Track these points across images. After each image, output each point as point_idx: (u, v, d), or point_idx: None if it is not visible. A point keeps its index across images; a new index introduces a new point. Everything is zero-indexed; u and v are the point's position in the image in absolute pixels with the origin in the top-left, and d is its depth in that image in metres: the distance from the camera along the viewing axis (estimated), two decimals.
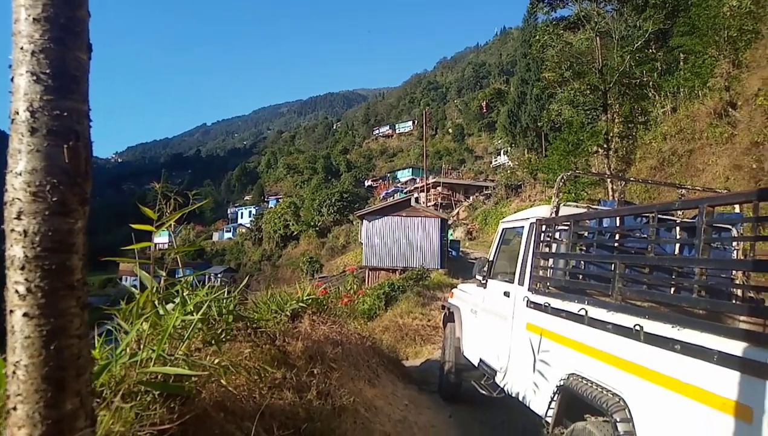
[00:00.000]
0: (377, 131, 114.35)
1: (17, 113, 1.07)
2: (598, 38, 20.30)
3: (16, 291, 1.05)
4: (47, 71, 1.07)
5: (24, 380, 1.05)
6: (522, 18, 46.02)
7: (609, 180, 16.88)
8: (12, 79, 1.08)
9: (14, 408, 1.07)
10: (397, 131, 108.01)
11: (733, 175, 11.54)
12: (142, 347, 2.43)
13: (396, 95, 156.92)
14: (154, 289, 2.91)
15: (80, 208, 1.11)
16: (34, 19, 1.06)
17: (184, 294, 3.09)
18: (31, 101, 1.06)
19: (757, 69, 12.86)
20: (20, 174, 1.05)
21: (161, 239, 3.79)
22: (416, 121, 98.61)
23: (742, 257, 4.00)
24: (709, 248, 2.66)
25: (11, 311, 1.07)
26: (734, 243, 4.17)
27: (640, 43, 19.82)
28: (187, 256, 3.96)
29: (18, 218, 1.05)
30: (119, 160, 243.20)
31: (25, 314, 1.05)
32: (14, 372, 1.07)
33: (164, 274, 3.12)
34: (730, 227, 4.22)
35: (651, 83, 20.58)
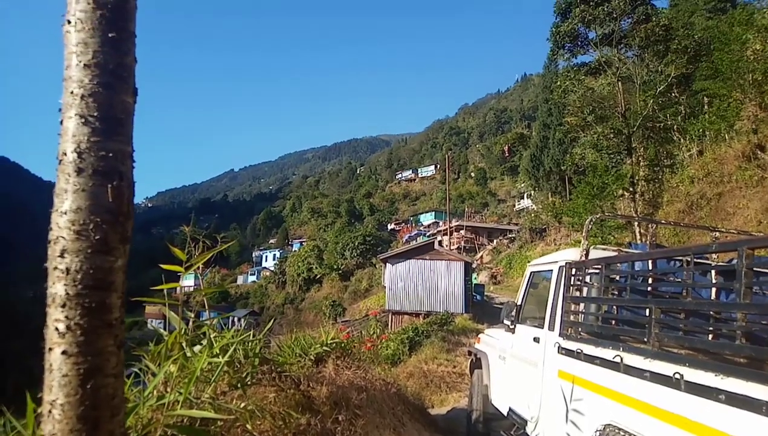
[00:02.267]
0: (400, 175, 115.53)
1: (65, 154, 1.11)
2: (620, 83, 20.40)
3: (56, 329, 1.07)
4: (95, 114, 1.11)
5: (59, 419, 1.05)
6: (543, 64, 46.68)
7: (636, 224, 16.58)
8: (61, 122, 1.13)
9: None
10: (419, 175, 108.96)
11: (765, 219, 11.25)
12: (169, 389, 2.42)
13: (418, 140, 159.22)
14: (183, 331, 2.91)
15: (121, 247, 1.13)
16: (84, 65, 1.12)
17: (211, 336, 3.09)
18: (78, 143, 1.10)
19: None
20: (65, 213, 1.08)
21: (187, 281, 3.82)
22: (438, 166, 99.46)
23: None
24: (750, 291, 2.56)
25: (50, 349, 1.07)
26: None
27: (662, 87, 19.83)
28: (211, 299, 3.98)
29: (61, 256, 1.07)
30: (149, 205, 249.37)
31: (63, 352, 1.06)
32: (50, 411, 1.07)
33: (192, 316, 3.13)
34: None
35: (675, 127, 20.46)
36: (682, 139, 19.62)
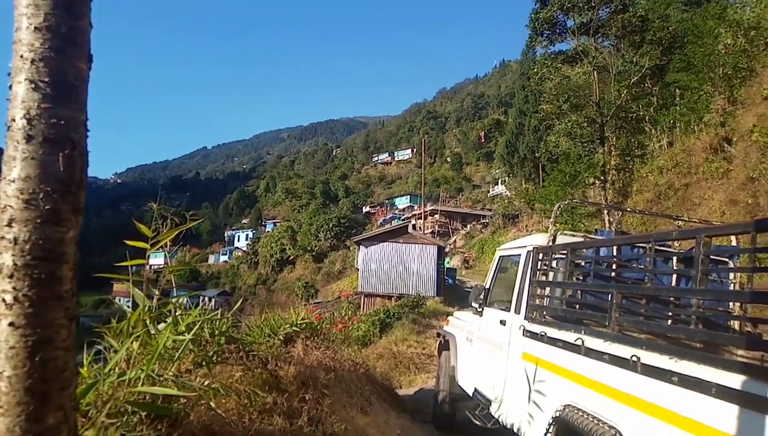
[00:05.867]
0: (376, 158, 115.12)
1: (14, 120, 1.06)
2: (595, 72, 20.63)
3: (3, 300, 1.03)
4: (46, 79, 1.07)
5: (6, 391, 1.02)
6: (521, 51, 46.91)
7: (606, 212, 16.93)
8: (10, 87, 1.08)
9: None
10: (396, 159, 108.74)
11: (729, 210, 11.59)
12: (131, 366, 2.39)
13: (396, 123, 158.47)
14: (147, 308, 2.87)
15: (73, 218, 1.10)
16: (35, 28, 1.07)
17: (177, 314, 3.05)
18: (28, 109, 1.06)
19: (751, 106, 13.05)
20: (14, 181, 1.04)
21: (157, 260, 3.76)
22: (415, 150, 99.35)
23: (739, 289, 3.98)
24: (706, 279, 2.65)
25: None
26: (731, 275, 4.16)
27: (636, 78, 20.13)
28: (181, 278, 3.94)
29: (9, 225, 1.04)
30: (118, 181, 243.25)
31: (11, 324, 1.03)
32: None
33: (158, 293, 3.09)
34: (727, 259, 4.21)
35: (647, 117, 20.83)
36: (653, 130, 20.01)
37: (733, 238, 4.14)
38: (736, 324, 3.89)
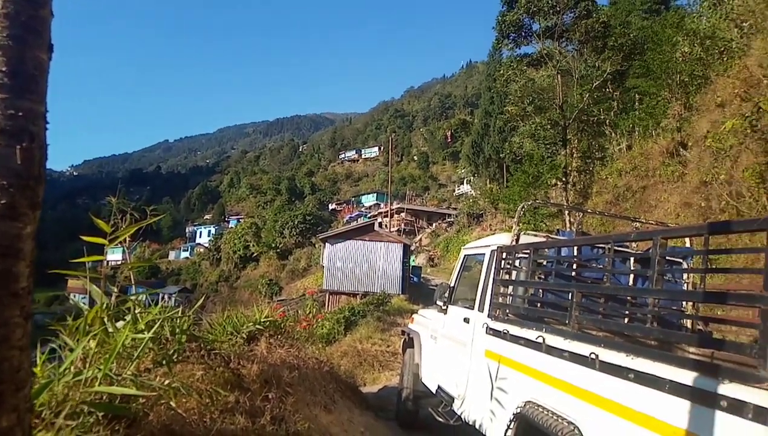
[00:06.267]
0: (343, 155, 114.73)
1: None
2: (559, 76, 21.10)
3: None
4: (4, 69, 1.02)
5: None
6: (487, 53, 47.48)
7: (567, 212, 17.35)
8: None
9: None
10: (363, 156, 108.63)
11: (683, 212, 12.03)
12: (87, 365, 2.32)
13: (363, 121, 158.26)
14: (104, 305, 2.79)
15: (30, 213, 1.06)
16: None
17: (136, 312, 2.98)
18: None
19: (706, 112, 13.56)
20: None
21: (114, 256, 3.66)
22: (382, 147, 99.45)
23: (692, 289, 4.14)
24: (662, 279, 2.75)
25: None
26: (684, 276, 4.32)
27: (598, 82, 20.69)
28: (140, 274, 3.84)
29: None
30: (75, 173, 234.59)
31: None
32: None
33: (116, 290, 3.00)
34: (681, 260, 4.38)
35: (608, 121, 21.44)
36: (613, 134, 20.60)
37: (687, 239, 4.30)
38: (688, 323, 4.04)
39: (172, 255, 78.32)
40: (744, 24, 13.88)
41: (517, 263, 4.33)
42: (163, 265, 71.21)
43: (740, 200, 9.67)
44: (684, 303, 4.05)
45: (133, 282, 3.71)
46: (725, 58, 14.00)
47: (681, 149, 14.36)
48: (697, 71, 15.38)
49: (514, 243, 4.41)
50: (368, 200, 76.12)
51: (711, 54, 14.80)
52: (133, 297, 3.15)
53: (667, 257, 2.90)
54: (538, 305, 3.97)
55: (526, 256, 4.07)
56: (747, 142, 9.50)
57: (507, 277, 4.38)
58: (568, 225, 16.65)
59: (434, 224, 53.88)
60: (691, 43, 15.71)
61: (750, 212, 9.32)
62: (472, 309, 4.79)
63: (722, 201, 10.23)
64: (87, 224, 3.10)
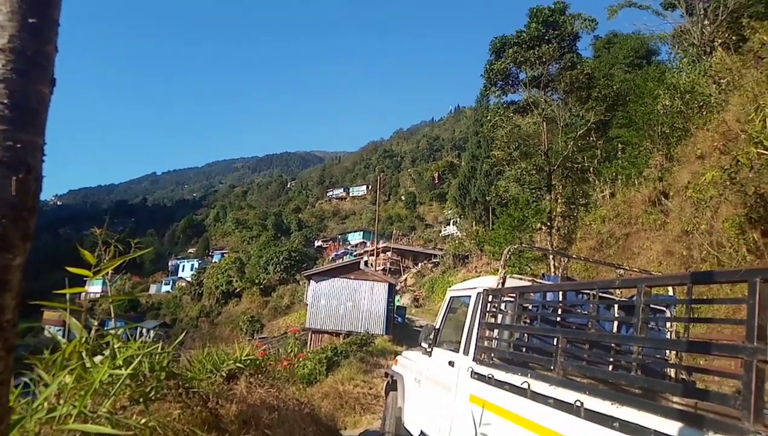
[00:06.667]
0: (331, 193, 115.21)
1: None
2: (544, 123, 21.66)
3: None
4: (6, 102, 1.04)
5: None
6: (475, 99, 48.78)
7: (551, 256, 17.47)
8: None
9: None
10: (350, 194, 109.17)
11: (665, 261, 12.18)
12: (62, 401, 2.24)
13: (352, 160, 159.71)
14: (83, 339, 2.72)
15: (21, 244, 1.05)
16: None
17: (115, 347, 2.91)
18: None
19: (686, 163, 13.95)
20: None
21: (94, 287, 3.59)
22: (370, 186, 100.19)
23: (676, 338, 4.16)
24: (646, 326, 2.77)
25: None
26: (668, 324, 4.35)
27: (582, 131, 21.26)
28: (119, 307, 3.77)
29: None
30: (59, 202, 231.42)
31: None
32: None
33: (96, 324, 2.94)
34: (664, 308, 4.41)
35: (592, 169, 21.93)
36: (596, 181, 21.04)
37: (669, 288, 4.35)
38: (672, 372, 4.05)
39: (153, 289, 76.81)
40: (722, 81, 14.48)
41: (503, 306, 4.33)
42: (143, 298, 69.72)
43: (721, 250, 9.84)
44: (667, 352, 4.06)
45: (112, 316, 3.63)
46: (704, 112, 14.52)
47: (663, 198, 14.68)
48: (678, 124, 15.91)
49: (500, 286, 4.42)
50: (354, 238, 76.04)
51: (691, 108, 15.35)
52: (112, 331, 3.08)
53: (651, 305, 2.93)
54: (524, 349, 3.95)
55: (512, 299, 4.08)
56: (726, 193, 9.75)
57: (493, 320, 4.37)
58: (552, 270, 16.75)
59: (420, 264, 53.80)
60: (671, 97, 16.29)
61: (730, 262, 9.48)
62: (457, 352, 4.75)
63: (703, 250, 10.40)
64: (67, 255, 3.07)
